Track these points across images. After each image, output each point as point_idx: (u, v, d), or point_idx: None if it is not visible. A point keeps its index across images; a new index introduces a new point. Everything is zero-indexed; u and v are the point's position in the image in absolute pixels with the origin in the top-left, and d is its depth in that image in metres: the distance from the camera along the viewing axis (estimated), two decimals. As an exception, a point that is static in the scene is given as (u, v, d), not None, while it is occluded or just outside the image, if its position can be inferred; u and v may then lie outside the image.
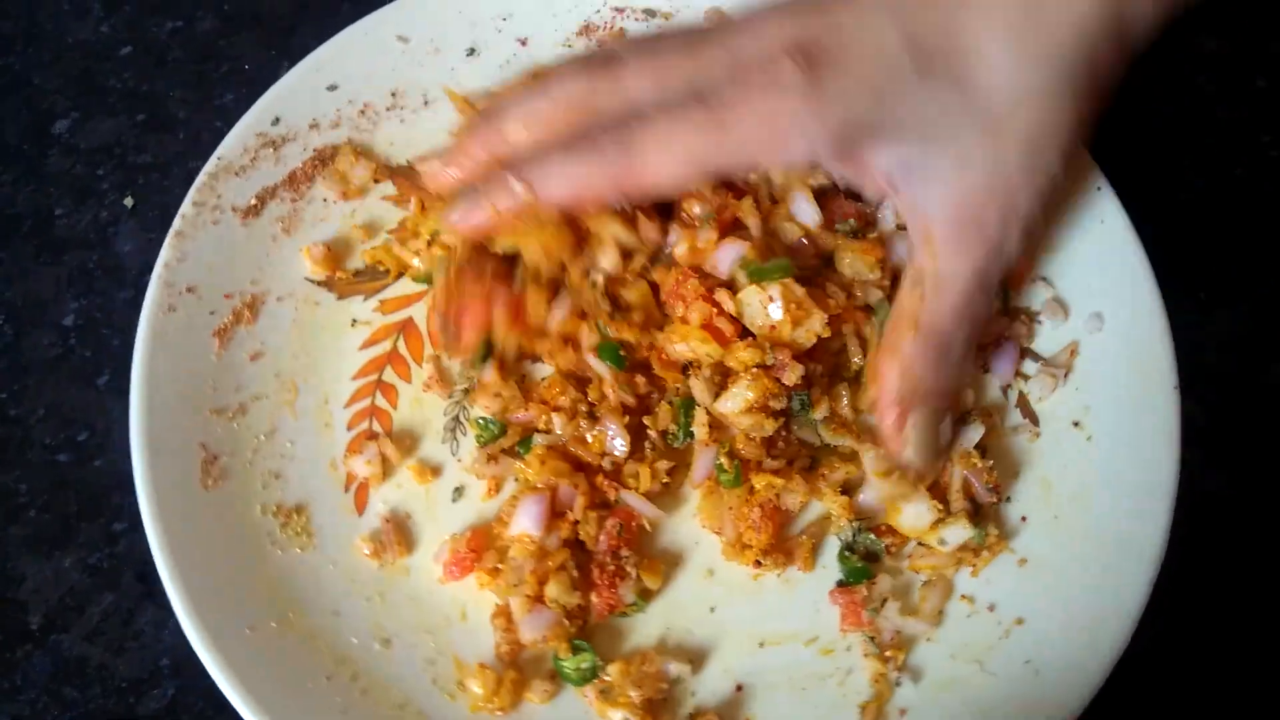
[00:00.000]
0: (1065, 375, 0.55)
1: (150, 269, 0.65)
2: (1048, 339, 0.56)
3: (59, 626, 0.56)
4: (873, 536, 0.52)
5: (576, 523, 0.51)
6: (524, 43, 0.63)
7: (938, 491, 0.52)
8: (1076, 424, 0.54)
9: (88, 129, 0.70)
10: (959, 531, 0.51)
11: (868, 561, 0.52)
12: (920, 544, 0.52)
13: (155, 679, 0.55)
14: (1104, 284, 0.55)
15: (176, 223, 0.56)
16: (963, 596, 0.51)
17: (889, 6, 0.47)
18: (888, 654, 0.50)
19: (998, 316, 0.55)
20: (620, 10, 0.64)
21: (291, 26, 0.73)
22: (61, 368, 0.62)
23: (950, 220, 0.49)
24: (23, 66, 0.72)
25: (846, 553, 0.52)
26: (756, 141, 0.47)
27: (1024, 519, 0.53)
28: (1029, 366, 0.56)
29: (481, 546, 0.52)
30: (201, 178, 0.57)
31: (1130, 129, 0.68)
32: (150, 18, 0.74)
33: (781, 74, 0.46)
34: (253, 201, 0.58)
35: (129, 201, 0.67)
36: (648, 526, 0.52)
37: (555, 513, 0.51)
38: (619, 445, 0.52)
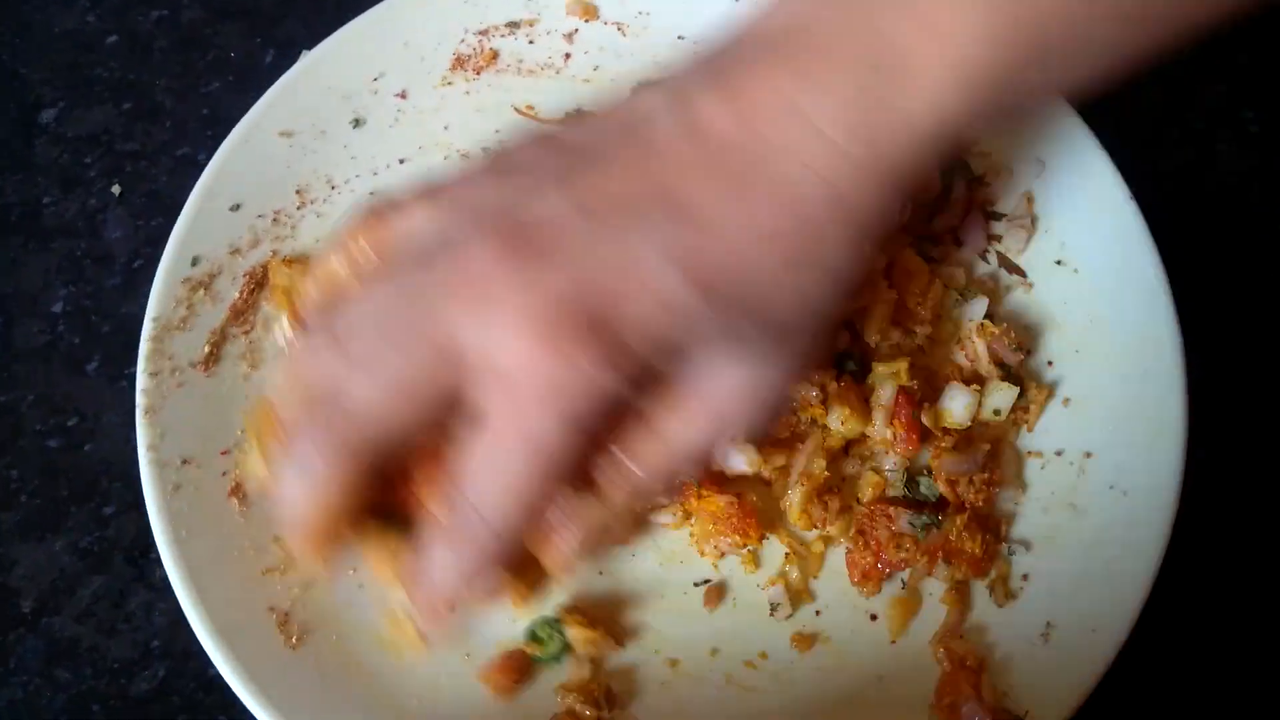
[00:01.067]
0: (1032, 223, 0.59)
1: (138, 256, 0.66)
2: (1002, 201, 0.60)
3: (50, 609, 0.56)
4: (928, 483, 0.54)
5: None
6: (404, 95, 0.63)
7: (968, 375, 0.56)
8: (1059, 262, 0.58)
9: (74, 118, 0.70)
10: (1005, 395, 0.54)
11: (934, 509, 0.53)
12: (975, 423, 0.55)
13: (146, 660, 0.55)
14: (1033, 131, 0.59)
15: (140, 399, 0.53)
16: (1029, 453, 0.54)
17: (658, 240, 0.37)
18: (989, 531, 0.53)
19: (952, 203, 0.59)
20: (484, 33, 0.64)
21: (279, 16, 0.74)
22: (51, 355, 0.63)
23: (693, 397, 0.43)
24: (9, 57, 0.72)
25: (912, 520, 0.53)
26: (564, 428, 0.38)
27: (1050, 363, 0.56)
28: (998, 228, 0.60)
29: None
30: (145, 345, 0.54)
31: (1114, 105, 0.68)
32: (136, 8, 0.74)
33: (562, 352, 0.37)
34: (207, 350, 0.55)
35: (116, 189, 0.68)
36: None
37: None
38: None
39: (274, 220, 0.60)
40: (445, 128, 0.63)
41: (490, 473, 0.39)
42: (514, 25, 0.65)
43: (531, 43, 0.65)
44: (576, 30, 0.65)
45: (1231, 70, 0.71)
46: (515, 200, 0.38)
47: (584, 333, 0.36)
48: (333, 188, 0.61)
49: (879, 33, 0.37)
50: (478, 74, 0.64)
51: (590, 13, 0.65)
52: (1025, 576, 0.52)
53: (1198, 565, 0.54)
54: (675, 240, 0.37)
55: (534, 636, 0.51)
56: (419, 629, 0.44)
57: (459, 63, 0.64)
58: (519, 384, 0.37)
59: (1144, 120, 0.69)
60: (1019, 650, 0.50)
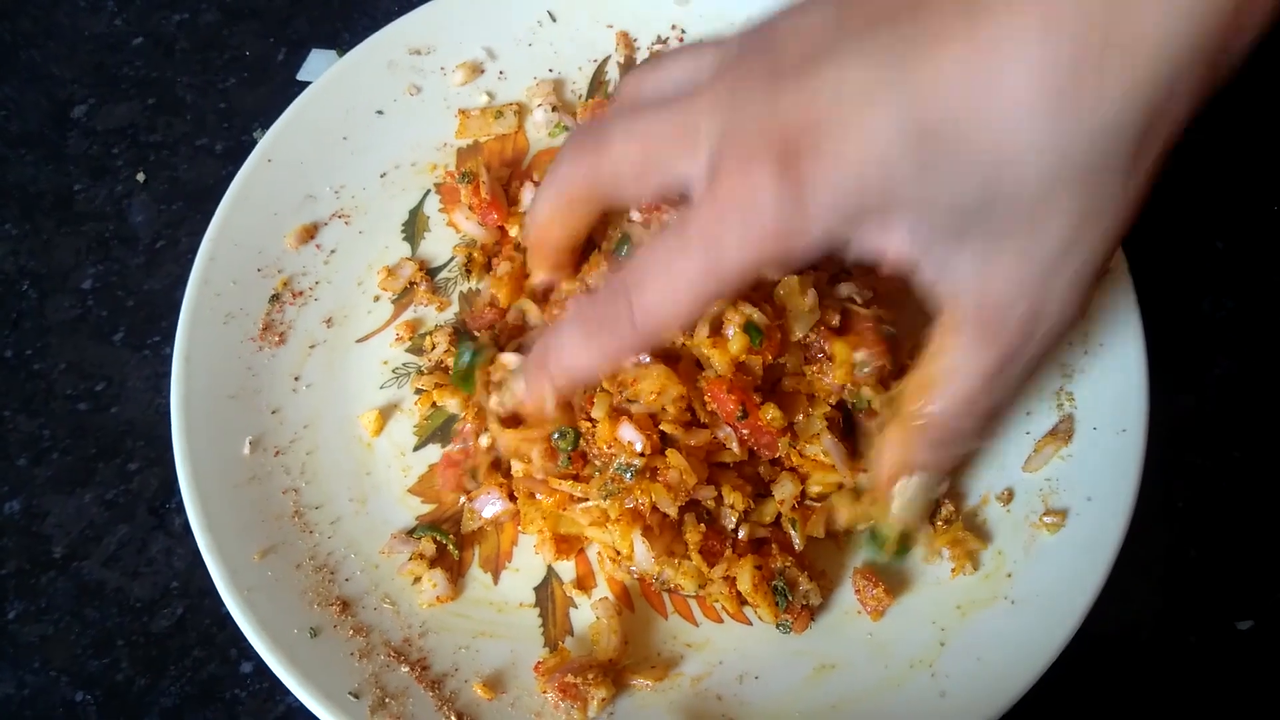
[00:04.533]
0: None
1: (161, 237, 0.71)
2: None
3: (80, 555, 0.62)
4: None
5: None
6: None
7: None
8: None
9: (103, 113, 0.76)
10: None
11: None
12: None
13: (166, 599, 0.60)
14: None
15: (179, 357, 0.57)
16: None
17: (884, 69, 0.37)
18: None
19: None
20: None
21: (288, 18, 0.79)
22: (81, 327, 0.68)
23: (969, 313, 0.43)
24: (43, 58, 0.78)
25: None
26: (750, 259, 0.41)
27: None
28: None
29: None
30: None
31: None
32: (159, 11, 0.80)
33: (759, 180, 0.39)
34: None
35: (141, 177, 0.73)
36: None
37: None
38: None
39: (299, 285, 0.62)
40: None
41: (655, 267, 0.43)
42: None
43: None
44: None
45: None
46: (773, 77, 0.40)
47: (779, 162, 0.38)
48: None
49: None
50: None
51: None
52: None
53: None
54: (895, 70, 0.36)
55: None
56: (522, 398, 0.50)
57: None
58: (717, 196, 0.40)
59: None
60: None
